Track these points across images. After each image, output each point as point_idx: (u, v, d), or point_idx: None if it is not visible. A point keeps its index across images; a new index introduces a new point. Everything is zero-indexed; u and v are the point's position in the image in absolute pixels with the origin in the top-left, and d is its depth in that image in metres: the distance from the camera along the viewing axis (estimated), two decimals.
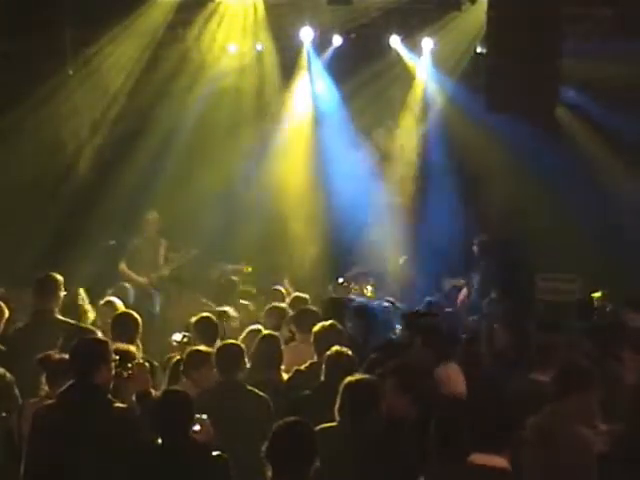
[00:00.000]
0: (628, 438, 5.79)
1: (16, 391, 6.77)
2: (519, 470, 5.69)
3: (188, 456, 5.31)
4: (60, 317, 7.96)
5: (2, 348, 7.51)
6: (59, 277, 8.23)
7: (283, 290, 11.03)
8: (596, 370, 6.05)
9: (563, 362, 6.14)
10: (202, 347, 7.04)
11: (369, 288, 12.68)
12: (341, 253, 13.42)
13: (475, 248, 12.55)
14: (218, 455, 5.36)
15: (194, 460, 5.30)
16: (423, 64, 13.94)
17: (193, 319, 7.98)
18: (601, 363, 7.15)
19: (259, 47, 13.65)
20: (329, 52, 13.87)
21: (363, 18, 13.11)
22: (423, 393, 5.81)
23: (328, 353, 6.61)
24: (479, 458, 4.41)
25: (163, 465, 5.29)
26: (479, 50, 13.13)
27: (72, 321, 7.91)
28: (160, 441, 5.36)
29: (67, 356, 6.32)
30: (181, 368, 6.95)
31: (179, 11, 12.84)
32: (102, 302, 8.79)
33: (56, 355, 6.45)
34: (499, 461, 4.40)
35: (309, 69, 13.97)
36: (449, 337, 7.76)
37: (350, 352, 6.62)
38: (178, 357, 7.24)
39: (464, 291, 12.53)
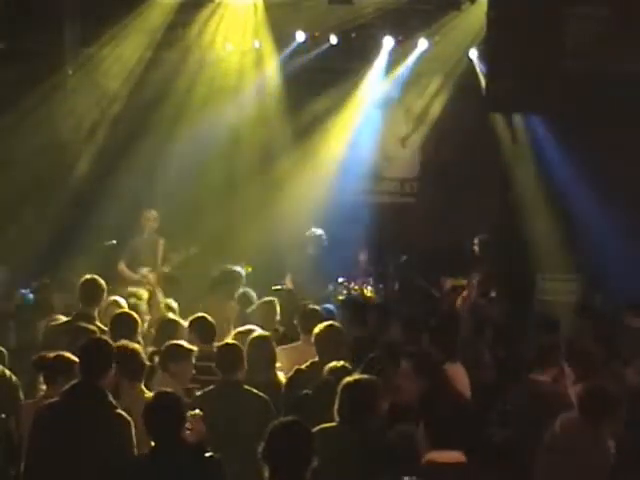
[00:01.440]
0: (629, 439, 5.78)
1: (20, 393, 6.77)
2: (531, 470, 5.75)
3: (180, 458, 5.28)
4: (99, 324, 7.95)
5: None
6: (103, 282, 8.32)
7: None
8: (620, 393, 6.04)
9: (590, 386, 6.09)
10: (183, 342, 7.04)
11: (369, 288, 12.67)
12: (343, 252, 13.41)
13: (476, 247, 12.52)
14: (210, 456, 5.33)
15: (186, 462, 5.27)
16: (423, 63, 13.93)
17: (190, 318, 7.97)
18: (604, 363, 7.16)
19: (259, 48, 13.62)
20: (328, 52, 13.85)
21: (363, 18, 13.09)
22: (437, 378, 5.81)
23: (325, 369, 6.60)
24: (436, 455, 4.43)
25: (156, 468, 5.25)
26: (472, 55, 13.16)
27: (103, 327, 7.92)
28: (152, 443, 5.35)
29: (64, 354, 6.33)
30: (156, 360, 6.94)
31: (179, 11, 12.82)
32: (108, 302, 8.80)
33: (50, 354, 6.45)
34: (456, 455, 4.40)
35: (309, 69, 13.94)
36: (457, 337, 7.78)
37: (346, 364, 6.61)
38: (154, 349, 7.23)
39: (465, 291, 12.50)
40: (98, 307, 8.24)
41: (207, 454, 5.33)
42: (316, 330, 7.38)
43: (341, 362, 6.57)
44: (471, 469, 4.46)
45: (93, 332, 7.17)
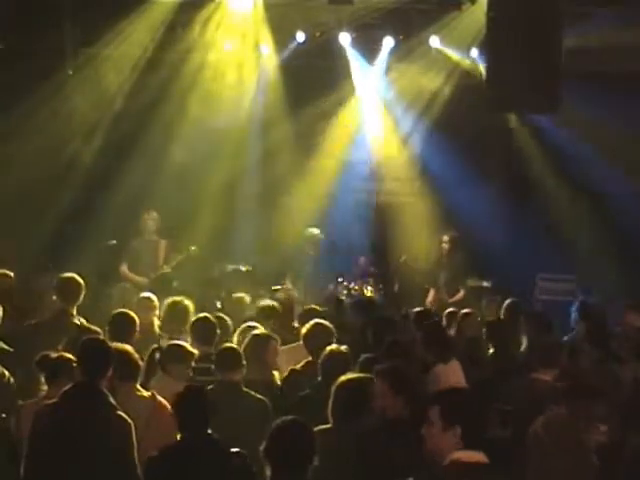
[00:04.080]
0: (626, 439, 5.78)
1: (14, 392, 6.77)
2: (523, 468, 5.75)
3: (208, 451, 5.29)
4: (76, 321, 8.02)
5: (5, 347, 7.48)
6: (81, 280, 8.38)
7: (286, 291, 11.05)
8: (598, 378, 6.05)
9: (566, 369, 6.12)
10: (185, 344, 7.05)
11: (369, 288, 12.67)
12: (342, 252, 13.43)
13: (445, 245, 12.49)
14: (237, 451, 5.34)
15: (214, 455, 5.29)
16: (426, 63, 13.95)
17: (191, 319, 7.97)
18: (601, 364, 7.16)
19: (259, 48, 13.64)
20: (330, 51, 13.87)
21: (363, 18, 13.10)
22: (415, 393, 5.78)
23: (323, 353, 6.60)
24: (462, 455, 4.41)
25: (182, 461, 5.26)
26: (476, 53, 13.17)
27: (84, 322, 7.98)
28: (179, 437, 5.36)
29: (66, 354, 6.33)
30: (157, 358, 6.95)
31: (179, 11, 12.82)
32: (140, 297, 8.84)
33: (53, 354, 6.45)
34: (479, 456, 4.39)
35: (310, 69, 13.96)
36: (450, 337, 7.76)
37: (344, 348, 6.61)
38: (155, 346, 7.25)
39: (432, 292, 12.51)
40: (76, 304, 8.25)
41: (233, 449, 5.35)
42: (304, 330, 7.36)
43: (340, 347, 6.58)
44: (493, 469, 4.46)
45: (95, 332, 7.15)
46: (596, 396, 5.88)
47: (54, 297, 8.51)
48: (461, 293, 12.16)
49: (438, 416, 4.38)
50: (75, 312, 8.18)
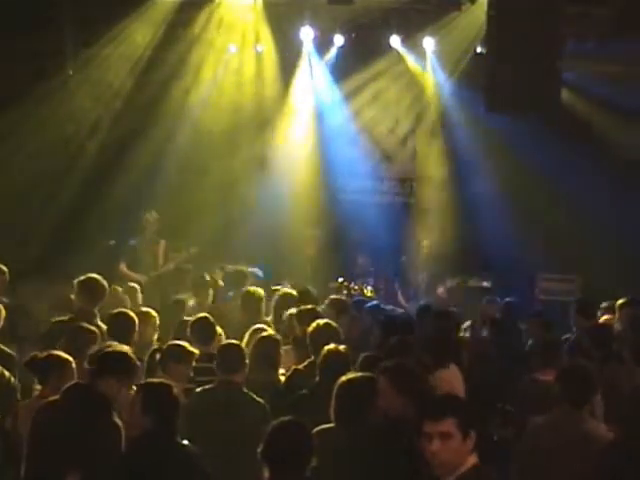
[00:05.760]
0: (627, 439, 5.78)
1: (17, 393, 6.75)
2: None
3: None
4: (100, 323, 7.92)
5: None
6: (104, 282, 8.33)
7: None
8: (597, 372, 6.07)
9: (568, 366, 6.13)
10: (185, 344, 7.04)
11: (369, 288, 12.68)
12: (342, 252, 13.44)
13: (424, 250, 12.69)
14: (186, 444, 5.37)
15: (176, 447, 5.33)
16: (425, 64, 13.95)
17: (191, 319, 7.96)
18: (602, 364, 7.16)
19: (259, 48, 13.65)
20: (330, 52, 13.87)
21: (363, 18, 13.11)
22: (419, 392, 5.75)
23: (322, 352, 6.58)
24: (475, 459, 4.37)
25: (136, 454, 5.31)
26: (479, 50, 13.17)
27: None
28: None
29: (55, 353, 6.32)
30: (157, 358, 6.95)
31: (179, 11, 12.84)
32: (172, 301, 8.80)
33: (42, 354, 6.44)
34: (472, 458, 4.37)
35: (309, 69, 13.96)
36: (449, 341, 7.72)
37: (343, 348, 6.60)
38: (156, 347, 7.23)
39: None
40: (99, 306, 8.21)
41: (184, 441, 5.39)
42: (310, 329, 7.33)
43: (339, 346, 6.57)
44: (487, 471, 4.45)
45: (92, 332, 7.14)
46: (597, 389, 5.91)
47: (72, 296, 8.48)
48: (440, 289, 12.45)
49: (456, 427, 4.27)
50: (97, 313, 8.09)
